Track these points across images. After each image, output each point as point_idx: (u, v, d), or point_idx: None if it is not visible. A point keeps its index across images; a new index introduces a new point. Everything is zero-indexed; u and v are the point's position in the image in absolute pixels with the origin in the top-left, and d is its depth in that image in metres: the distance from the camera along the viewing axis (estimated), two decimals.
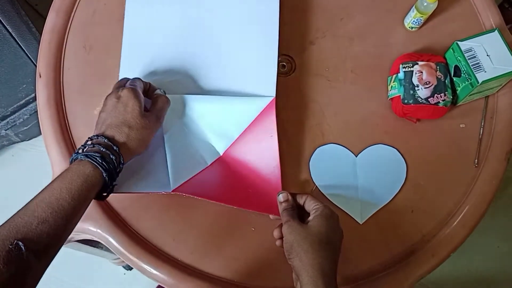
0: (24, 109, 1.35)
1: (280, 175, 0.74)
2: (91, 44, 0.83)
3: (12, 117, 1.36)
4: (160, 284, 0.73)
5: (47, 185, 0.57)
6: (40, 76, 0.80)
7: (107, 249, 0.81)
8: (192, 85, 0.79)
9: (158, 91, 0.73)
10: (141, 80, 0.71)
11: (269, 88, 0.77)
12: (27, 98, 1.32)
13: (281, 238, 0.66)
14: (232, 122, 0.76)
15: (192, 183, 0.73)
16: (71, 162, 0.62)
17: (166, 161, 0.73)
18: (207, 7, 0.82)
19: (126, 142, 0.64)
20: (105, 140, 0.63)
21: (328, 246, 0.61)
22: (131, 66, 0.79)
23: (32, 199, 0.55)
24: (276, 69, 0.78)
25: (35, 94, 0.79)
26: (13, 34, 1.11)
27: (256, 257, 0.74)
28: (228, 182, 0.75)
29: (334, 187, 0.76)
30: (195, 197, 0.70)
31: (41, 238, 0.52)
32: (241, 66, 0.80)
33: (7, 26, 1.08)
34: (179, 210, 0.75)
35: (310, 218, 0.65)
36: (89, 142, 0.63)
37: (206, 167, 0.75)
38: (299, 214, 0.67)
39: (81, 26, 0.84)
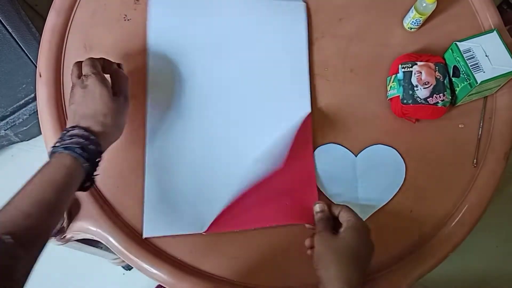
0: (24, 109, 1.35)
1: (315, 183, 0.75)
2: (91, 44, 0.83)
3: (11, 117, 1.36)
4: (159, 283, 0.73)
5: (29, 180, 0.57)
6: (40, 76, 0.80)
7: (107, 249, 0.81)
8: (224, 105, 0.80)
9: (114, 66, 0.72)
10: (96, 59, 0.70)
11: (304, 104, 0.80)
12: (27, 98, 1.32)
13: (312, 248, 0.66)
14: (268, 149, 0.77)
15: (225, 216, 0.73)
16: (50, 156, 0.62)
17: (195, 199, 0.74)
18: (233, 23, 0.84)
19: (103, 130, 0.65)
20: (82, 131, 0.63)
21: (357, 259, 0.62)
22: (158, 84, 0.80)
23: (16, 194, 0.56)
24: (309, 85, 0.81)
25: (35, 94, 0.79)
26: (13, 34, 1.11)
27: (256, 257, 0.74)
28: (262, 202, 0.75)
29: (333, 186, 0.77)
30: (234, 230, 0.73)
31: (28, 232, 0.53)
32: (273, 84, 0.81)
33: (7, 26, 1.08)
34: None
35: (342, 229, 0.65)
36: (66, 134, 0.63)
37: (238, 196, 0.75)
38: (333, 224, 0.68)
39: (81, 26, 0.84)
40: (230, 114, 0.79)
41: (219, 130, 0.78)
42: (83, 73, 0.68)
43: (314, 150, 0.78)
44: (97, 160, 0.63)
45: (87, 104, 0.65)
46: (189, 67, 0.81)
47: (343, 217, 0.67)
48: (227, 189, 0.74)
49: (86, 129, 0.63)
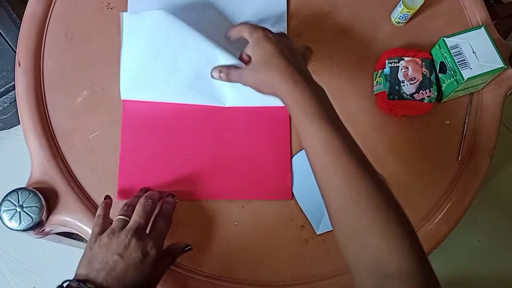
0: (4, 97, 1.32)
1: (289, 160, 0.76)
2: (73, 32, 0.81)
3: None
4: None
5: None
6: (19, 65, 0.78)
7: (86, 241, 0.80)
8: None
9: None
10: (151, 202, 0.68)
11: None
12: (7, 86, 1.29)
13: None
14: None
15: (195, 184, 0.75)
16: None
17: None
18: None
19: None
20: None
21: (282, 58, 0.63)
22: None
23: None
24: None
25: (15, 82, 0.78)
26: None
27: (239, 251, 0.73)
28: (233, 174, 0.76)
29: (309, 186, 0.75)
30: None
31: None
32: None
33: None
34: None
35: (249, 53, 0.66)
36: None
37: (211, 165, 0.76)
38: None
39: (62, 14, 0.81)
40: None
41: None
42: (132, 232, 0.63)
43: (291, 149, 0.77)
44: None
45: (128, 274, 0.60)
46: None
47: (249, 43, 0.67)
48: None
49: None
